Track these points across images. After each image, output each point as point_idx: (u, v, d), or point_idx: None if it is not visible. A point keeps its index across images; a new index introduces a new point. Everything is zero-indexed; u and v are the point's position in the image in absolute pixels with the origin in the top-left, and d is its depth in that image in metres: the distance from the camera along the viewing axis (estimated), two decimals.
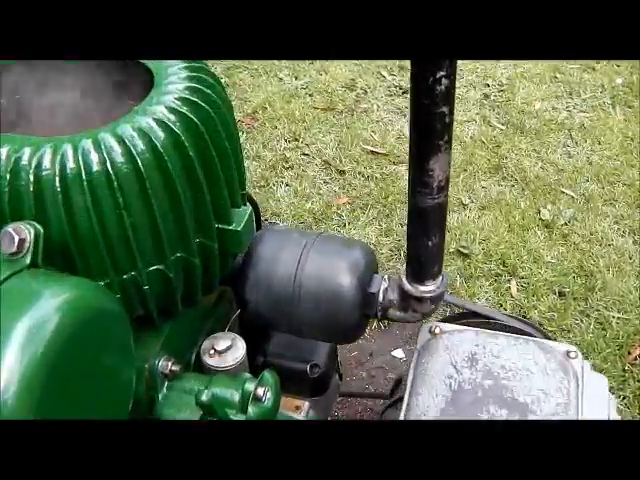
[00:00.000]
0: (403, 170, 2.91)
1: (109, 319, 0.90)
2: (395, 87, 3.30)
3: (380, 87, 3.29)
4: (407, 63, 2.97)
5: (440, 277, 1.16)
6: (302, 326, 1.20)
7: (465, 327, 1.25)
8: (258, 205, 1.38)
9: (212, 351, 1.16)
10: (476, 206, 2.80)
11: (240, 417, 1.06)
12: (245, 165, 1.34)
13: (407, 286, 1.16)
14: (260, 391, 1.06)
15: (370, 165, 2.93)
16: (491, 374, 1.17)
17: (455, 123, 0.98)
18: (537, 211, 2.81)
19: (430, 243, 1.09)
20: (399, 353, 2.40)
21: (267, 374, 1.08)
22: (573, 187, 2.92)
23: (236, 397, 1.07)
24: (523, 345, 1.21)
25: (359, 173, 2.90)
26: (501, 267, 2.60)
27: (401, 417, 1.13)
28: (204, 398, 1.00)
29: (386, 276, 1.24)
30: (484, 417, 1.11)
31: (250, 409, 1.05)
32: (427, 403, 1.14)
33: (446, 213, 1.10)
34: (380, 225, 2.72)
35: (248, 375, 1.09)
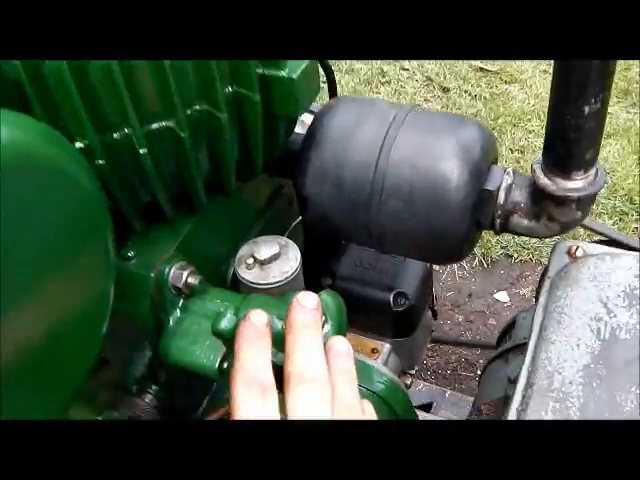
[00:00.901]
0: (516, 90, 2.44)
1: (65, 183, 0.54)
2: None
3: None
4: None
5: (594, 169, 0.74)
6: (386, 235, 0.81)
7: (620, 250, 0.83)
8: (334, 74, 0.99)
9: (251, 260, 0.79)
10: None
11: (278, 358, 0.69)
12: (336, 78, 0.96)
13: (543, 180, 0.75)
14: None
15: (478, 83, 2.47)
16: None
17: None
18: None
19: (587, 110, 0.67)
20: (503, 296, 1.99)
21: (326, 295, 0.70)
22: None
23: (277, 327, 0.70)
24: None
25: (465, 91, 2.45)
26: (628, 204, 2.12)
27: (524, 373, 0.73)
28: (224, 325, 0.63)
29: (510, 169, 0.83)
30: None
31: None
32: (563, 356, 0.74)
33: (614, 70, 0.68)
34: None
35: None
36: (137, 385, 0.86)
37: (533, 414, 0.69)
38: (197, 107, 0.68)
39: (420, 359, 1.11)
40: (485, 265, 2.05)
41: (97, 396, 0.93)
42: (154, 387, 0.85)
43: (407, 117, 0.81)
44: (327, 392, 0.49)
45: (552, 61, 0.69)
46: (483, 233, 2.06)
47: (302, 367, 0.50)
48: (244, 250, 0.81)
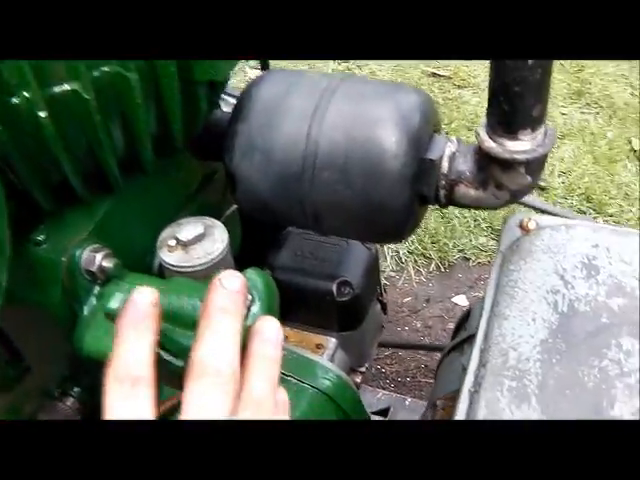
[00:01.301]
0: (469, 94, 2.41)
1: None
2: None
3: None
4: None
5: (542, 128, 0.68)
6: (321, 211, 0.74)
7: (575, 220, 0.77)
8: None
9: (173, 242, 0.71)
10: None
11: None
12: None
13: (488, 143, 0.68)
14: None
15: (431, 89, 2.43)
16: (622, 290, 0.69)
17: None
18: (627, 141, 2.28)
19: (530, 63, 0.61)
20: (461, 300, 1.93)
21: (252, 273, 0.63)
22: None
23: (198, 312, 0.62)
24: None
25: None
26: (585, 203, 2.09)
27: (475, 352, 0.66)
28: (114, 306, 0.56)
29: (454, 138, 0.76)
30: (611, 355, 0.64)
31: None
32: (518, 331, 0.67)
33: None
34: None
35: None
36: (59, 388, 0.78)
37: (487, 395, 0.62)
38: (105, 68, 0.60)
39: (371, 356, 1.03)
40: (442, 269, 1.99)
41: (22, 408, 0.84)
42: (76, 389, 0.77)
43: (340, 85, 0.74)
44: (230, 387, 0.43)
45: None
46: (440, 237, 2.02)
47: (208, 357, 0.44)
48: (166, 232, 0.73)
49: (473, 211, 2.09)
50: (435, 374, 1.02)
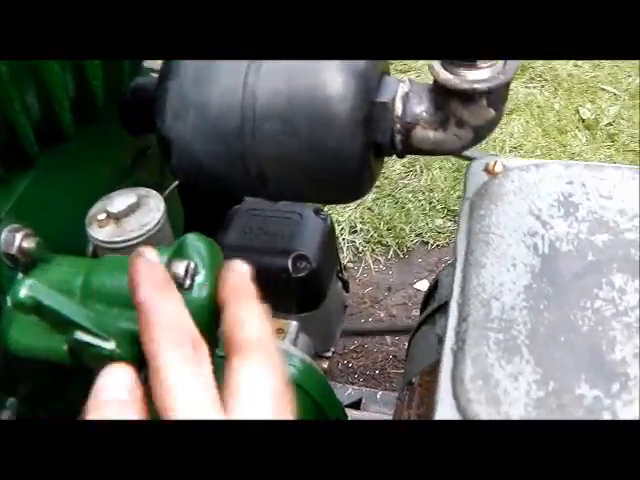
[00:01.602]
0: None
1: None
2: None
3: None
4: None
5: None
6: (266, 169, 0.65)
7: (544, 160, 0.70)
8: None
9: (103, 216, 0.62)
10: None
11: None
12: None
13: (444, 75, 0.61)
14: (179, 268, 0.52)
15: None
16: (605, 225, 0.63)
17: None
18: (575, 111, 2.25)
19: None
20: (423, 285, 1.86)
21: (194, 238, 0.54)
22: (614, 84, 2.35)
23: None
24: None
25: None
26: None
27: (453, 307, 0.59)
28: (23, 294, 0.47)
29: (406, 78, 0.69)
30: (604, 294, 0.57)
31: None
32: (499, 279, 0.59)
33: None
34: None
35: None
36: None
37: (473, 351, 0.54)
38: None
39: (335, 339, 0.95)
40: (401, 255, 1.92)
41: None
42: (10, 400, 0.67)
43: None
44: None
45: None
46: (396, 223, 1.95)
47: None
48: (96, 207, 0.64)
49: (427, 193, 2.03)
50: (407, 353, 0.94)
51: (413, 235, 1.95)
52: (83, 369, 0.54)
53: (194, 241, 0.53)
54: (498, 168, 0.69)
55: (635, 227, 0.62)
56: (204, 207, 0.84)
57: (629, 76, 2.38)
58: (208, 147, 0.65)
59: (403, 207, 2.01)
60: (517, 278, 0.59)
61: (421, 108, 0.65)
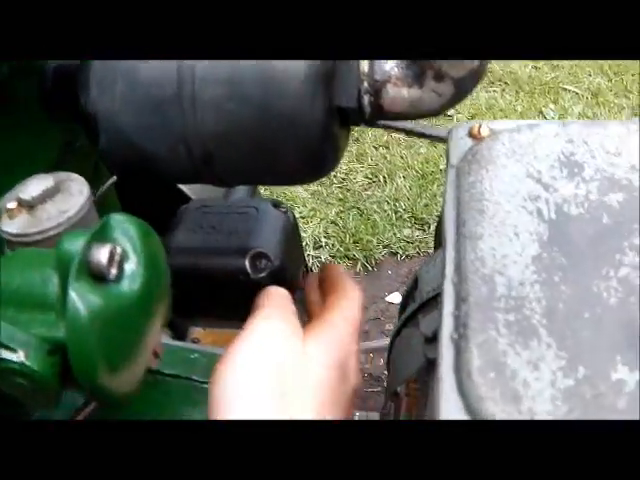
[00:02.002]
0: None
1: None
2: None
3: None
4: None
5: None
6: (211, 145, 0.54)
7: (536, 121, 0.60)
8: None
9: (13, 204, 0.50)
10: (464, 116, 2.17)
11: (59, 333, 0.41)
12: None
13: None
14: (101, 255, 0.41)
15: None
16: (617, 184, 0.53)
17: None
18: (538, 112, 2.19)
19: None
20: (395, 298, 1.76)
21: (117, 218, 0.43)
22: (575, 83, 2.30)
23: (50, 287, 0.42)
24: None
25: None
26: None
27: (448, 289, 0.48)
28: None
29: None
30: (628, 260, 0.47)
31: (82, 305, 0.39)
32: (501, 251, 0.49)
33: None
34: (350, 151, 2.07)
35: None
36: None
37: (478, 337, 0.43)
38: None
39: None
40: (370, 268, 1.82)
41: None
42: None
43: None
44: None
45: None
46: (362, 235, 1.85)
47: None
48: (6, 197, 0.52)
49: (392, 203, 1.94)
50: (387, 362, 0.83)
51: (381, 247, 1.86)
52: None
53: (121, 222, 0.42)
54: (484, 131, 0.58)
55: None
56: (146, 207, 0.72)
57: (589, 75, 2.33)
58: (140, 120, 0.54)
59: (369, 218, 1.91)
60: (522, 249, 0.48)
61: (392, 62, 0.55)
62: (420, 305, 0.78)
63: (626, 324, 0.43)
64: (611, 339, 0.42)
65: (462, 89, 0.55)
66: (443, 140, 1.02)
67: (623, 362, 0.41)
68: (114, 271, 0.41)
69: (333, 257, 1.82)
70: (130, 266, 0.42)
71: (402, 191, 1.95)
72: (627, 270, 0.46)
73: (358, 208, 1.93)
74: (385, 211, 1.91)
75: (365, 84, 0.55)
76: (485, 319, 0.44)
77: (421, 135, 0.90)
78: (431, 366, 0.67)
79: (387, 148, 2.05)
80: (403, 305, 0.90)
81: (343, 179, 1.98)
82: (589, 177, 0.53)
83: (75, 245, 0.40)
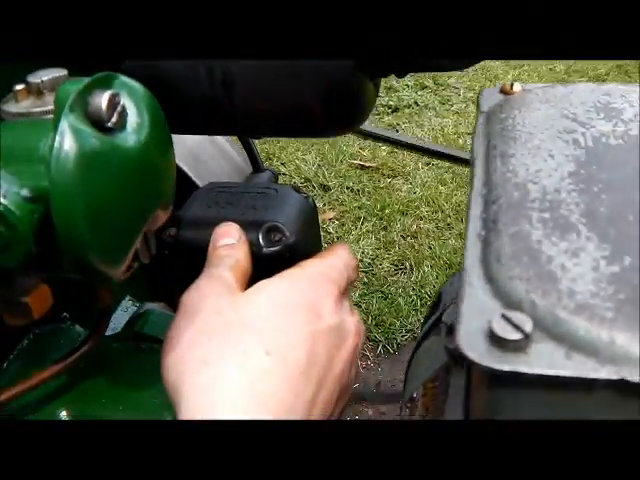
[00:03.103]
0: (400, 182, 2.27)
1: None
2: (383, 106, 2.70)
3: None
4: (394, 84, 2.37)
5: None
6: (232, 72, 0.51)
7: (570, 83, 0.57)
8: None
9: (21, 86, 0.47)
10: None
11: (43, 182, 0.36)
12: None
13: None
14: (101, 99, 0.37)
15: (360, 180, 2.29)
16: None
17: None
18: None
19: None
20: None
21: (119, 76, 0.39)
22: None
23: (43, 141, 0.38)
24: None
25: (347, 188, 2.25)
26: None
27: (475, 197, 0.42)
28: None
29: None
30: None
31: (69, 139, 0.35)
32: (534, 167, 0.43)
33: None
34: (377, 238, 2.04)
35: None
36: None
37: (510, 229, 0.38)
38: None
39: None
40: (391, 351, 1.74)
41: None
42: None
43: None
44: None
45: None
46: (385, 318, 1.78)
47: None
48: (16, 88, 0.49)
49: (418, 289, 1.88)
50: (406, 373, 0.76)
51: (404, 330, 1.78)
52: None
53: (122, 77, 0.38)
54: (517, 87, 0.55)
55: None
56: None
57: None
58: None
59: (393, 302, 1.85)
60: (558, 165, 0.43)
61: None
62: (441, 313, 0.72)
63: None
64: None
65: None
66: (466, 162, 0.99)
67: None
68: (114, 118, 0.37)
69: None
70: (133, 119, 0.38)
71: (428, 278, 1.89)
72: None
73: (382, 292, 1.87)
74: (410, 296, 1.84)
75: None
76: (518, 215, 0.39)
77: (444, 156, 0.87)
78: (452, 360, 0.60)
79: (415, 238, 2.02)
80: (426, 320, 0.83)
81: (369, 264, 1.94)
82: (628, 119, 0.49)
83: (75, 86, 0.36)
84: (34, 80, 0.46)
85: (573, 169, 0.43)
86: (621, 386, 0.30)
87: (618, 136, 0.46)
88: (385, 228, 2.07)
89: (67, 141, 0.34)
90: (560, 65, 2.99)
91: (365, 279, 1.92)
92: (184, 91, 0.53)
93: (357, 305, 1.83)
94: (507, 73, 2.93)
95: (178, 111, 0.56)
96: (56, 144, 0.34)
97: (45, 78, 0.46)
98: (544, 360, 0.31)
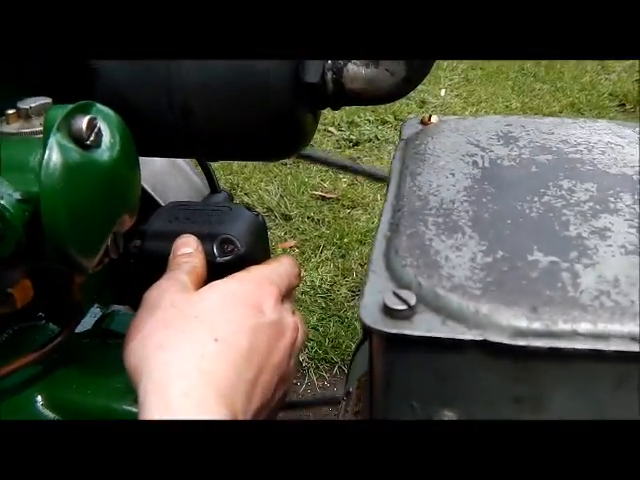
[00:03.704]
0: (359, 213, 2.37)
1: None
2: (345, 140, 2.82)
3: (328, 141, 2.80)
4: (356, 119, 2.46)
5: None
6: (190, 101, 0.60)
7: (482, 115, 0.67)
8: None
9: (11, 111, 0.55)
10: None
11: (33, 188, 0.45)
12: None
13: None
14: (82, 121, 0.46)
15: (320, 210, 2.39)
16: (547, 149, 0.58)
17: None
18: None
19: None
20: None
21: (99, 105, 0.48)
22: None
23: (34, 155, 0.46)
24: (590, 123, 0.63)
25: (308, 217, 2.34)
26: None
27: (387, 208, 0.52)
28: None
29: None
30: (552, 193, 0.51)
31: (57, 151, 0.44)
32: (436, 182, 0.53)
33: None
34: (336, 266, 2.13)
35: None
36: None
37: (409, 230, 0.47)
38: None
39: None
40: (346, 372, 1.82)
41: None
42: None
43: None
44: None
45: None
46: (341, 340, 1.86)
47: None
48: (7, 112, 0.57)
49: None
50: (347, 374, 0.84)
51: None
52: None
53: (103, 108, 0.47)
54: (434, 120, 0.65)
55: (579, 150, 0.57)
56: None
57: None
58: (132, 72, 0.61)
59: (349, 326, 1.93)
60: (456, 182, 0.53)
61: None
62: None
63: (544, 227, 0.47)
64: (530, 235, 0.46)
65: (414, 70, 0.61)
66: (382, 179, 1.08)
67: (539, 249, 0.45)
68: (92, 137, 0.45)
69: (311, 359, 1.83)
70: (107, 139, 0.47)
71: None
72: (549, 198, 0.51)
73: (339, 316, 1.96)
74: None
75: (329, 62, 0.62)
76: (416, 220, 0.48)
77: (363, 173, 0.96)
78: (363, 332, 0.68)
79: None
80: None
81: (327, 290, 2.03)
82: (522, 145, 0.59)
83: (60, 111, 0.45)
84: (23, 106, 0.55)
85: (468, 184, 0.52)
86: (485, 346, 0.40)
87: (511, 159, 0.56)
88: (343, 256, 2.17)
89: (54, 154, 0.43)
90: (516, 103, 3.14)
91: (323, 304, 2.01)
92: (148, 118, 0.62)
93: (315, 329, 1.91)
94: (465, 109, 3.07)
95: (143, 135, 0.65)
96: (46, 156, 0.43)
97: (33, 105, 0.54)
98: (424, 326, 0.40)
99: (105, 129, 0.46)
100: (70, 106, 0.45)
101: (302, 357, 1.83)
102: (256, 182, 2.51)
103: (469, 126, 0.62)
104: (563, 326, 0.39)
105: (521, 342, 0.39)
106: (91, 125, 0.45)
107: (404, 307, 0.40)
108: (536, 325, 0.39)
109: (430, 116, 0.65)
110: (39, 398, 0.61)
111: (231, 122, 0.62)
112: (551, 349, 0.39)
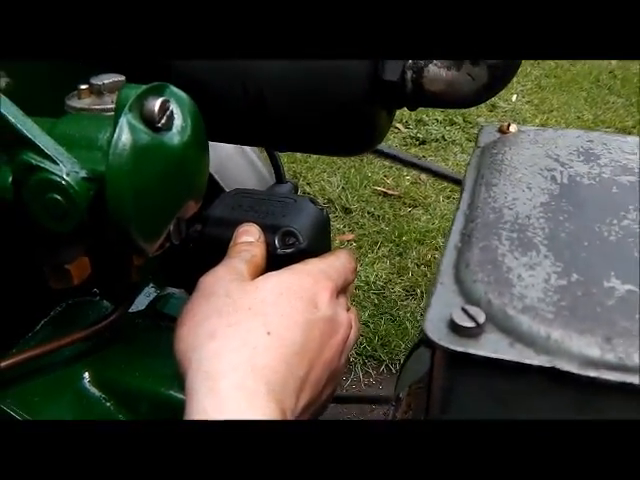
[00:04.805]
0: (420, 212, 2.34)
1: None
2: (411, 138, 2.78)
3: (394, 138, 2.77)
4: (425, 117, 2.42)
5: None
6: (265, 87, 0.59)
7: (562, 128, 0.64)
8: None
9: (85, 86, 0.55)
10: None
11: (100, 167, 0.44)
12: None
13: None
14: (155, 103, 0.45)
15: (381, 206, 2.36)
16: (629, 170, 0.55)
17: None
18: None
19: None
20: None
21: (169, 86, 0.47)
22: None
23: (102, 132, 0.46)
24: None
25: (368, 212, 2.32)
26: None
27: (459, 217, 0.49)
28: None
29: None
30: (632, 217, 0.48)
31: (127, 131, 0.43)
32: (512, 195, 0.51)
33: None
34: (392, 264, 2.11)
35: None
36: None
37: (480, 243, 0.45)
38: None
39: None
40: (393, 371, 1.79)
41: None
42: None
43: None
44: None
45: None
46: (391, 339, 1.84)
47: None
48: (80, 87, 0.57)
49: None
50: (397, 379, 0.82)
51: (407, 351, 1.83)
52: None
53: (172, 88, 0.46)
54: (513, 129, 0.62)
55: None
56: None
57: None
58: (209, 61, 0.59)
59: (400, 325, 1.91)
60: (533, 196, 0.50)
61: None
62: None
63: (623, 251, 0.44)
64: (607, 259, 0.43)
65: (495, 76, 0.59)
66: (451, 180, 1.05)
67: (616, 275, 0.42)
68: (164, 120, 0.44)
69: (359, 355, 1.81)
70: (179, 122, 0.46)
71: None
72: (629, 222, 0.48)
73: (391, 315, 1.93)
74: (417, 321, 1.91)
75: (409, 61, 0.59)
76: (489, 233, 0.46)
77: (432, 171, 0.93)
78: (424, 344, 0.66)
79: (428, 266, 2.08)
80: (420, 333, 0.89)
81: (382, 287, 2.01)
82: (604, 164, 0.56)
83: (134, 91, 0.44)
84: (96, 82, 0.54)
85: (545, 200, 0.50)
86: (552, 373, 0.37)
87: (591, 177, 0.53)
88: (400, 254, 2.14)
89: (124, 134, 0.42)
90: (589, 114, 3.05)
91: (376, 301, 1.99)
92: (222, 103, 0.61)
93: (366, 325, 1.89)
94: (535, 117, 3.00)
95: (215, 120, 0.64)
96: (115, 136, 0.42)
97: (106, 81, 0.54)
98: (491, 346, 0.38)
99: (177, 112, 0.45)
100: (144, 86, 0.44)
101: (351, 352, 1.82)
102: (319, 172, 2.50)
103: (549, 139, 0.59)
104: (638, 360, 0.37)
105: (592, 373, 0.37)
106: (164, 107, 0.44)
107: (472, 325, 0.38)
108: (609, 357, 0.37)
109: (509, 125, 0.62)
110: (86, 375, 0.61)
111: (305, 114, 0.60)
112: (623, 384, 0.36)
